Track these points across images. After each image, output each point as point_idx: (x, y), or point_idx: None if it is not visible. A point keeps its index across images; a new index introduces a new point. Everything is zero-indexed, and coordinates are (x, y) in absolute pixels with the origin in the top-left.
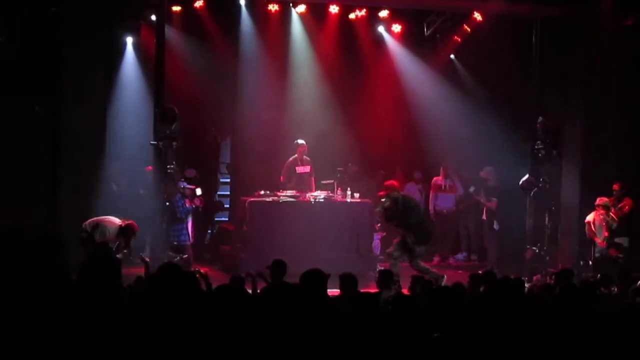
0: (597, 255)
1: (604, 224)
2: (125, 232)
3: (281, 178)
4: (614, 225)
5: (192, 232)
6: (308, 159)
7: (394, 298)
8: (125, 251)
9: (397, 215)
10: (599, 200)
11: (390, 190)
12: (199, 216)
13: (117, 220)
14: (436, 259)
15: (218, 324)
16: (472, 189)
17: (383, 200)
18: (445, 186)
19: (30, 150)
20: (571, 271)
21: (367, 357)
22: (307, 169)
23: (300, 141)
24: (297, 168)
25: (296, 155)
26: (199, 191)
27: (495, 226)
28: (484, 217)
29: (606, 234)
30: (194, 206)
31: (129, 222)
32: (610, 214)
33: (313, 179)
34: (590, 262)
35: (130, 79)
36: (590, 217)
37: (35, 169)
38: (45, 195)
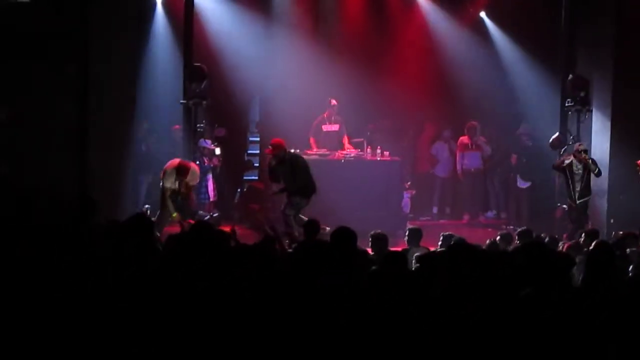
0: None
1: None
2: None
3: (310, 138)
4: None
5: (212, 190)
6: (339, 118)
7: (421, 255)
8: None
9: (283, 176)
10: None
11: (277, 149)
12: (222, 175)
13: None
14: (466, 217)
15: (247, 282)
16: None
17: (270, 158)
18: (471, 145)
19: (60, 111)
20: (596, 230)
21: (394, 314)
22: (336, 127)
23: (333, 100)
24: (323, 127)
25: (325, 114)
26: (217, 151)
27: (520, 184)
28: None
29: None
30: (212, 165)
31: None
32: None
33: (346, 137)
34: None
35: (160, 38)
36: None
37: (64, 129)
38: (75, 156)
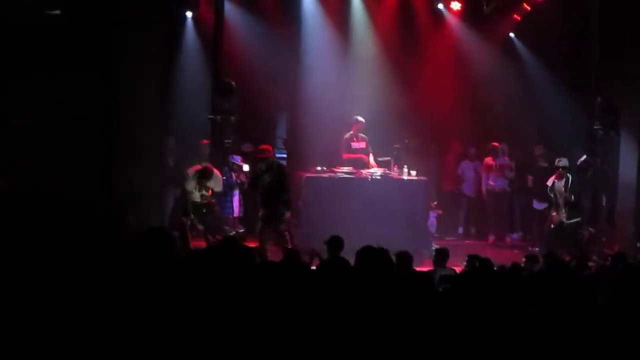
0: None
1: None
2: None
3: (343, 155)
4: None
5: (237, 206)
6: (364, 135)
7: (445, 276)
8: None
9: (267, 185)
10: None
11: (268, 153)
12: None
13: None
14: (491, 238)
15: (273, 297)
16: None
17: (258, 163)
18: (495, 166)
19: (87, 122)
20: (623, 254)
21: (420, 335)
22: (363, 144)
23: (358, 117)
24: (352, 144)
25: (352, 131)
26: (245, 167)
27: (536, 205)
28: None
29: None
30: (239, 181)
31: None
32: None
33: (371, 155)
34: None
35: (190, 53)
36: None
37: (91, 141)
38: (102, 169)
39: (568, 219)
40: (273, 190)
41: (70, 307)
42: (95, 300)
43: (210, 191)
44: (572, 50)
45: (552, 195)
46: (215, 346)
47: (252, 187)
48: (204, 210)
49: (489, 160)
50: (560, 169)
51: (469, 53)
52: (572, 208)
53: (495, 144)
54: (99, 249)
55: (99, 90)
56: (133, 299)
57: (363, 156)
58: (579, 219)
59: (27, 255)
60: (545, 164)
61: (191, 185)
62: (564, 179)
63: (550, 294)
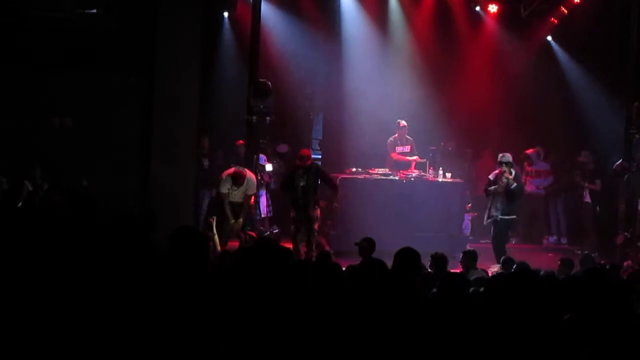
0: None
1: None
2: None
3: (391, 155)
4: None
5: (265, 206)
6: (410, 138)
7: (479, 279)
8: None
9: (304, 187)
10: None
11: (308, 161)
12: (274, 191)
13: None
14: (526, 241)
15: (308, 297)
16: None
17: (303, 167)
18: (530, 171)
19: (125, 121)
20: None
21: (453, 337)
22: (407, 148)
23: (401, 122)
24: (397, 148)
25: (396, 135)
26: (268, 167)
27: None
28: (587, 199)
29: None
30: (263, 181)
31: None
32: None
33: (416, 158)
34: None
35: (227, 53)
36: None
37: (128, 140)
38: (138, 169)
39: (503, 214)
40: (307, 194)
41: (104, 304)
42: (129, 298)
43: (247, 197)
44: (610, 54)
45: (490, 190)
46: (245, 344)
47: (284, 189)
48: (241, 210)
49: (525, 165)
50: (503, 165)
51: (506, 56)
52: (510, 204)
53: (529, 151)
54: (134, 248)
55: (137, 89)
56: (166, 297)
57: (411, 160)
58: (514, 217)
59: (62, 253)
60: (593, 167)
61: (226, 187)
62: (506, 175)
63: (585, 299)
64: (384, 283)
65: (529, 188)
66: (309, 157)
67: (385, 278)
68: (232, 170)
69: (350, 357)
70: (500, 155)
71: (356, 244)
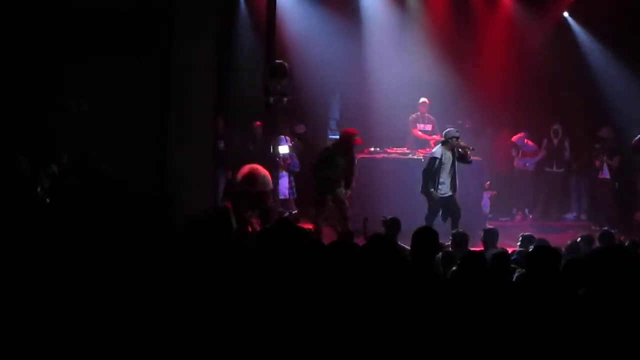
0: None
1: None
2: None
3: (413, 131)
4: None
5: (286, 187)
6: (431, 117)
7: (496, 256)
8: None
9: (342, 168)
10: None
11: (356, 140)
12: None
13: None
14: (545, 218)
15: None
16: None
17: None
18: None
19: (140, 104)
20: None
21: (473, 317)
22: (429, 127)
23: (423, 99)
24: (418, 125)
25: (418, 112)
26: (283, 149)
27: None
28: (607, 175)
29: None
30: (282, 164)
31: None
32: None
33: (437, 136)
34: None
35: (243, 34)
36: None
37: (144, 123)
38: (155, 151)
39: (453, 190)
40: (347, 172)
41: (128, 285)
42: (153, 279)
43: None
44: (629, 27)
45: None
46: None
47: (322, 168)
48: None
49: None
50: (450, 139)
51: (523, 34)
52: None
53: (514, 138)
54: (154, 229)
55: (153, 72)
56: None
57: (432, 138)
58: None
59: (83, 235)
60: (615, 144)
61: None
62: (452, 151)
63: (602, 275)
64: (391, 261)
65: (517, 165)
66: (354, 135)
67: (393, 256)
68: (246, 170)
69: (366, 338)
70: (454, 129)
71: (383, 221)
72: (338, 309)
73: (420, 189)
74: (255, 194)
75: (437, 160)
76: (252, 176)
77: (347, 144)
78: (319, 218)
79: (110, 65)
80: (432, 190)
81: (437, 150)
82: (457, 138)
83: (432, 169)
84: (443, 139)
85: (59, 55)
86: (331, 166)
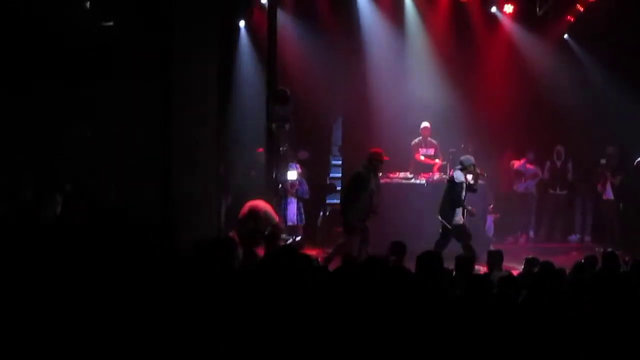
0: None
1: None
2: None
3: (415, 156)
4: None
5: (294, 214)
6: (433, 141)
7: (503, 279)
8: None
9: (369, 192)
10: None
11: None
12: (302, 199)
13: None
14: (549, 240)
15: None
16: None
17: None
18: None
19: (144, 130)
20: None
21: (478, 338)
22: (431, 151)
23: (425, 124)
24: (420, 150)
25: (420, 137)
26: (292, 175)
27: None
28: (610, 196)
29: None
30: (288, 190)
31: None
32: None
33: (439, 161)
34: None
35: (244, 61)
36: None
37: (148, 149)
38: (158, 177)
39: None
40: (370, 198)
41: (129, 311)
42: (154, 305)
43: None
44: (629, 49)
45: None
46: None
47: (358, 194)
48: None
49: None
50: (469, 166)
51: (524, 55)
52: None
53: (516, 165)
54: (157, 256)
55: (156, 99)
56: (191, 304)
57: (434, 163)
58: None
59: (86, 262)
60: (617, 163)
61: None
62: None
63: (605, 295)
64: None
65: (519, 189)
66: (381, 154)
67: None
68: (246, 210)
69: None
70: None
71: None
72: (339, 329)
73: (438, 212)
74: (264, 230)
75: (462, 184)
76: (254, 215)
77: (376, 164)
78: (346, 247)
79: (113, 92)
80: (453, 216)
81: (459, 175)
82: (475, 166)
83: (456, 194)
84: (461, 166)
85: (60, 81)
86: (367, 190)
